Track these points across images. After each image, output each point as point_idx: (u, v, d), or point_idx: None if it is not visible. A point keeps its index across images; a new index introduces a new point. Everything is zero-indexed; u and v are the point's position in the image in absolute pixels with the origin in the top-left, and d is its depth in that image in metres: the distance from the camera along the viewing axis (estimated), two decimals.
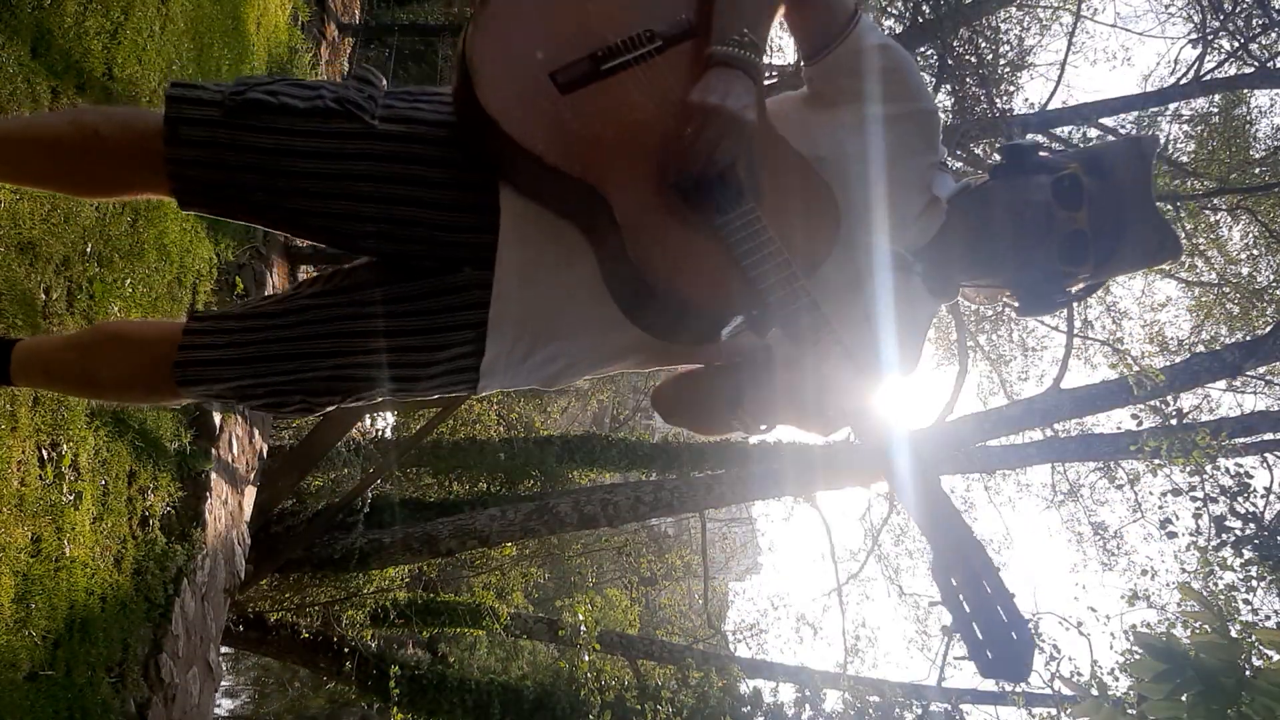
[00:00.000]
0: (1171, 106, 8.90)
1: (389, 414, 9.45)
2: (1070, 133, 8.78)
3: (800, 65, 1.41)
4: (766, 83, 1.31)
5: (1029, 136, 1.66)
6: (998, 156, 1.43)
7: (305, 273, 5.96)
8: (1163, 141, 9.07)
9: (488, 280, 1.30)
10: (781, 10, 1.34)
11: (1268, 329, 7.59)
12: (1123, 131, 9.13)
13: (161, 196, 1.37)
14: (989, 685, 7.89)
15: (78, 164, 1.37)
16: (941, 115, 1.42)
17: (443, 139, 1.31)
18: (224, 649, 6.37)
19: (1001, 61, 7.99)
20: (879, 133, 1.33)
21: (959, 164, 8.48)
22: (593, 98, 1.23)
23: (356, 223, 1.30)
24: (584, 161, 1.20)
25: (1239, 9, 7.47)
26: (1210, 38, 7.84)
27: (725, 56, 1.20)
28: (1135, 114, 8.65)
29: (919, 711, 7.46)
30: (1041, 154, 1.40)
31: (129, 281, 3.14)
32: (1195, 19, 8.30)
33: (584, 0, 1.28)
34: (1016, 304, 1.41)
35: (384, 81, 1.37)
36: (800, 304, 1.16)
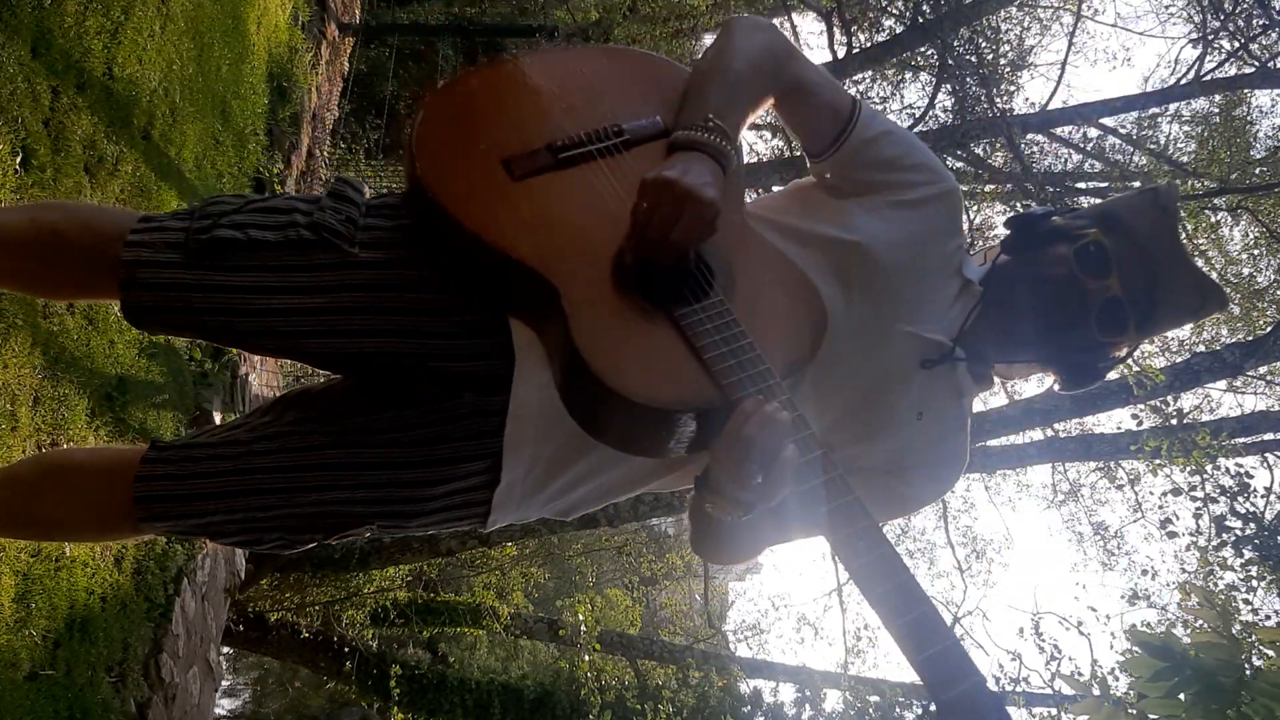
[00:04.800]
0: (1171, 106, 8.90)
1: None
2: (1071, 132, 8.79)
3: (807, 162, 1.36)
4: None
5: (1037, 207, 1.51)
6: (1006, 231, 1.34)
7: None
8: (1163, 141, 9.08)
9: (492, 407, 1.20)
10: (777, 112, 1.31)
11: (1268, 329, 7.59)
12: (1123, 131, 9.14)
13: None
14: (988, 685, 7.88)
15: (35, 263, 1.25)
16: (961, 190, 1.35)
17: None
18: (224, 649, 6.37)
19: (1001, 61, 8.00)
20: (908, 217, 1.26)
21: (960, 164, 8.48)
22: (548, 186, 1.14)
23: (335, 357, 1.22)
24: (528, 244, 1.09)
25: (1239, 9, 7.47)
26: (1210, 38, 7.83)
27: (688, 140, 1.13)
28: (1135, 114, 8.65)
29: (919, 711, 7.46)
30: (1054, 220, 1.31)
31: None
32: (1195, 19, 8.30)
33: (548, 93, 1.24)
34: (1060, 380, 1.33)
35: (365, 192, 1.27)
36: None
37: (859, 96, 1.32)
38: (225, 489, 1.21)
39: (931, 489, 1.34)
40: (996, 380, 1.38)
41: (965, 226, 1.35)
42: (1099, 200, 1.44)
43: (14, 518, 1.37)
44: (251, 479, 1.21)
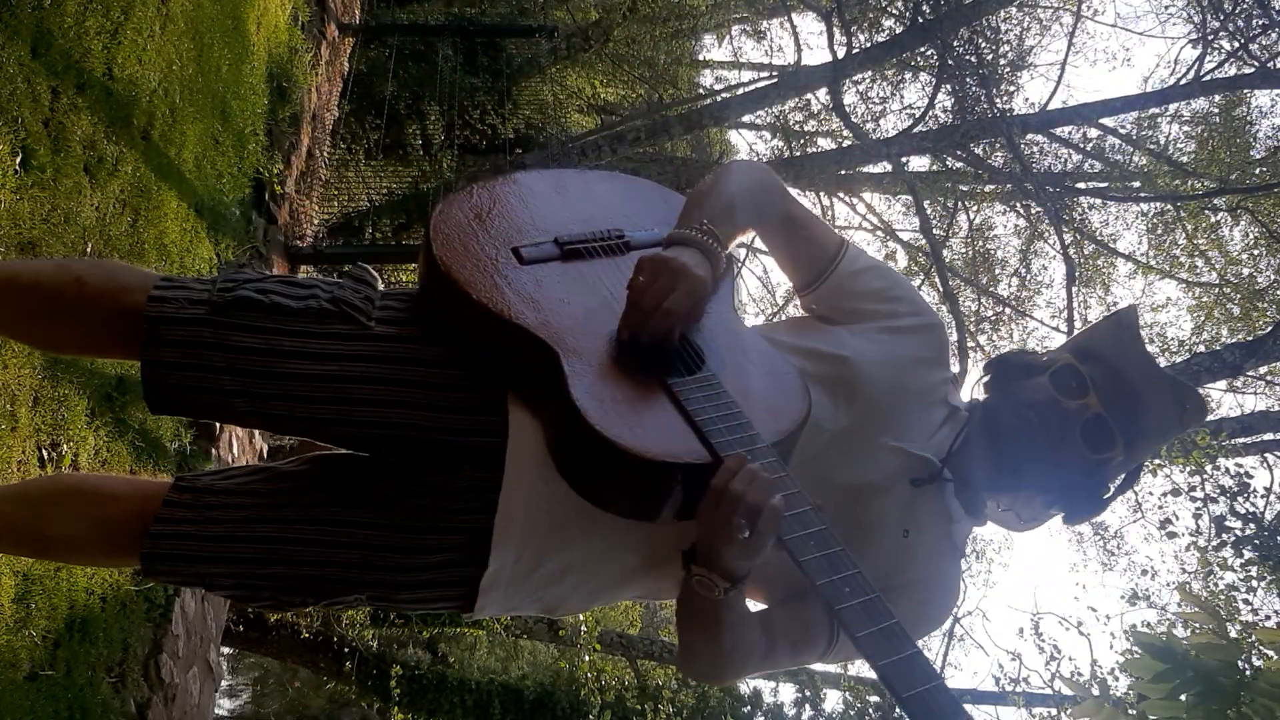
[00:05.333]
0: (1172, 106, 8.89)
1: None
2: (1070, 133, 8.79)
3: (796, 296, 1.45)
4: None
5: (1010, 352, 1.54)
6: (985, 375, 1.42)
7: (305, 273, 5.95)
8: (1163, 141, 9.07)
9: (490, 483, 1.22)
10: (767, 244, 1.41)
11: (1268, 329, 7.58)
12: (1123, 131, 9.13)
13: (134, 359, 1.26)
14: (989, 685, 7.89)
15: (55, 309, 1.27)
16: (942, 306, 1.43)
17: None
18: (224, 649, 6.37)
19: (1001, 61, 7.99)
20: (895, 342, 1.33)
21: (960, 164, 8.48)
22: (553, 272, 1.25)
23: (347, 425, 1.24)
24: (532, 315, 1.17)
25: (1239, 9, 7.47)
26: (1210, 38, 7.83)
27: (682, 237, 1.24)
28: (1135, 114, 8.64)
29: None
30: (1027, 358, 1.39)
31: None
32: (1195, 19, 8.30)
33: (559, 200, 1.37)
34: (1061, 511, 1.35)
35: (380, 282, 1.34)
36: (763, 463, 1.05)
37: (846, 238, 1.42)
38: (231, 536, 1.25)
39: (926, 614, 1.34)
40: (990, 521, 1.39)
41: (953, 360, 1.39)
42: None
43: (16, 533, 1.38)
44: (254, 529, 1.25)
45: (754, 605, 1.31)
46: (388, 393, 1.22)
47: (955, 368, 1.42)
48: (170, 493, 1.29)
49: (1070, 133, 8.83)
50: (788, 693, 8.10)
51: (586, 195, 1.41)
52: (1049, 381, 1.30)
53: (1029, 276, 9.89)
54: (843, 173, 8.86)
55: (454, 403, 1.23)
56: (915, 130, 7.68)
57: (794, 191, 1.43)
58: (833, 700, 7.91)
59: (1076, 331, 1.54)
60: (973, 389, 1.41)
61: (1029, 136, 8.10)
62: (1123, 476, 1.35)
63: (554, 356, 1.12)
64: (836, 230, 1.42)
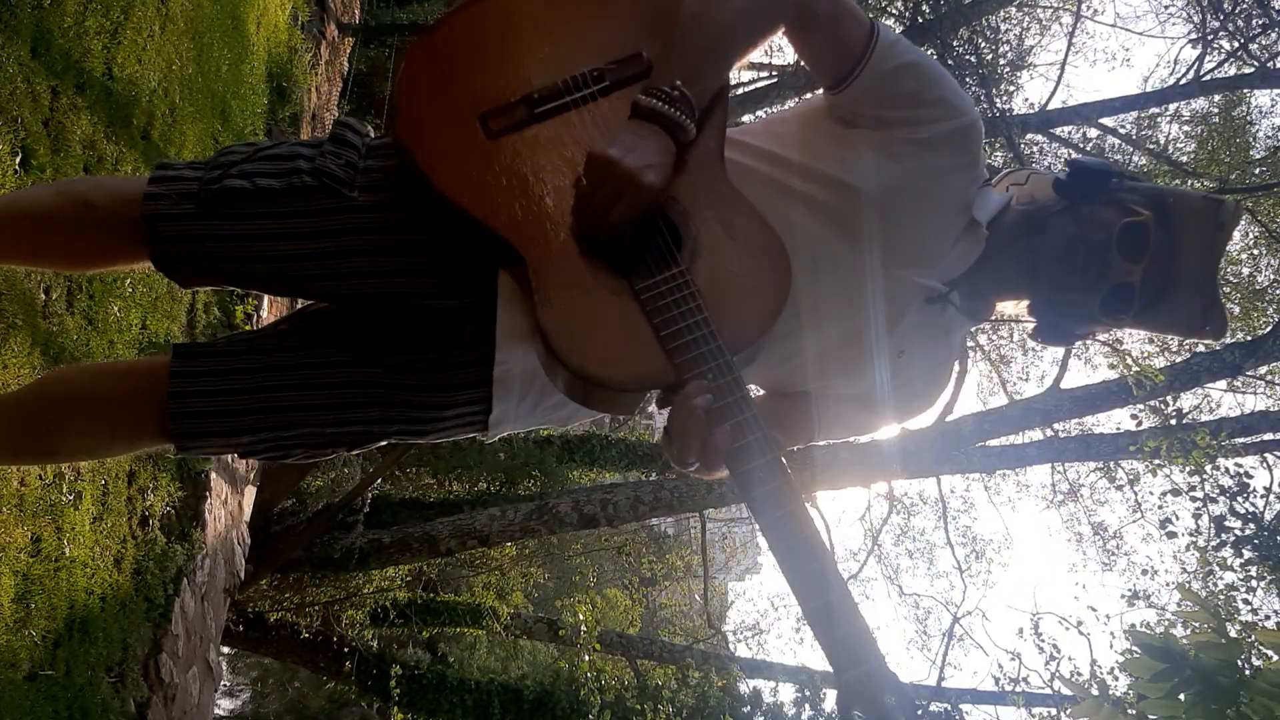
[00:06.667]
0: (1171, 106, 8.90)
1: None
2: (1070, 132, 8.79)
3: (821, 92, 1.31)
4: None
5: (1099, 161, 1.41)
6: (1066, 170, 1.30)
7: None
8: (1163, 141, 9.07)
9: (490, 339, 1.26)
10: (788, 40, 1.26)
11: (1268, 329, 7.58)
12: (1122, 131, 9.13)
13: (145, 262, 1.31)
14: (988, 685, 7.89)
15: (72, 236, 1.31)
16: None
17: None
18: (224, 649, 6.37)
19: (1001, 61, 8.00)
20: (918, 156, 1.22)
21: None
22: (523, 145, 1.16)
23: (345, 297, 1.28)
24: (502, 214, 1.12)
25: (1239, 9, 7.47)
26: (1210, 38, 7.84)
27: (647, 109, 1.11)
28: (1135, 114, 8.65)
29: (919, 711, 7.44)
30: (1123, 189, 1.27)
31: (129, 281, 3.14)
32: (1195, 19, 8.31)
33: (535, 28, 1.22)
34: (1033, 326, 1.34)
35: (368, 133, 1.31)
36: (720, 384, 1.06)
37: (877, 25, 1.22)
38: (251, 407, 1.27)
39: (898, 418, 1.43)
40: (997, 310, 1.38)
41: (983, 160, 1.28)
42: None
43: (27, 446, 1.38)
44: (273, 397, 1.27)
45: None
46: (378, 264, 1.24)
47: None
48: (175, 362, 1.28)
49: (1070, 133, 8.84)
50: (788, 692, 8.10)
51: (569, 11, 1.23)
52: (1119, 230, 1.22)
53: None
54: None
55: (443, 267, 1.25)
56: None
57: None
58: (833, 700, 7.90)
59: (1172, 189, 1.47)
60: (1017, 188, 1.34)
61: (1029, 136, 8.10)
62: (1097, 328, 1.32)
63: (524, 266, 1.11)
64: (866, 21, 1.22)
